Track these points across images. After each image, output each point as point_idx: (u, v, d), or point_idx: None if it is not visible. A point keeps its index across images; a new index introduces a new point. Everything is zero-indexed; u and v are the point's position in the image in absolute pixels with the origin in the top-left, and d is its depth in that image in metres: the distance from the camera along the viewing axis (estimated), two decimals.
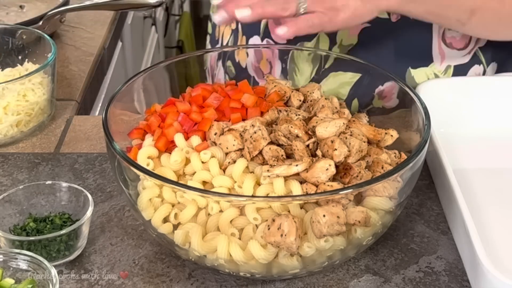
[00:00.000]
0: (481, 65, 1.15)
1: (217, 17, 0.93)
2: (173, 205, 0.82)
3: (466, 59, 1.14)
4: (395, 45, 0.97)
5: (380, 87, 1.04)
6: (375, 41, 1.00)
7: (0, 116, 1.07)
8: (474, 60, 1.15)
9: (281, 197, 0.79)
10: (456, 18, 1.00)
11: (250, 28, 1.16)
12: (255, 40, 1.16)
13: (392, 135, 0.89)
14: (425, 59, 1.12)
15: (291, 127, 0.85)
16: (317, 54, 1.06)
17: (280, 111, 0.91)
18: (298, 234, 0.76)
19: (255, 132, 0.84)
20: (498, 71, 1.18)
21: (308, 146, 0.85)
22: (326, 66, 1.07)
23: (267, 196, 0.80)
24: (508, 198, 0.96)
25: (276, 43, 1.13)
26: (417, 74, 1.08)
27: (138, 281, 0.85)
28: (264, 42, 1.15)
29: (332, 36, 1.06)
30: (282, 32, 0.91)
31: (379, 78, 0.97)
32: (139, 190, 0.83)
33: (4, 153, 1.08)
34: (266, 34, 1.14)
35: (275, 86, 0.95)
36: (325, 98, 0.94)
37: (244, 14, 0.90)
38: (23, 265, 0.79)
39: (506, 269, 0.79)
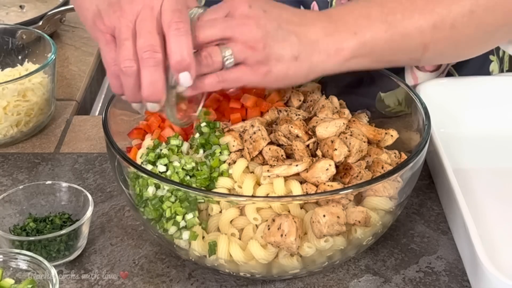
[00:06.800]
0: None
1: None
2: None
3: None
4: (367, 72, 0.94)
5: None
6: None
7: (0, 116, 1.07)
8: None
9: (281, 197, 0.79)
10: (409, 57, 0.93)
11: None
12: None
13: (392, 135, 0.89)
14: (398, 85, 1.10)
15: (291, 127, 0.85)
16: None
17: (280, 111, 0.91)
18: (298, 234, 0.76)
19: (254, 133, 0.84)
20: None
21: (308, 146, 0.84)
22: None
23: (267, 196, 0.80)
24: (508, 198, 0.96)
25: None
26: (387, 97, 1.04)
27: (138, 281, 0.85)
28: None
29: None
30: (207, 82, 0.80)
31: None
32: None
33: (4, 153, 1.08)
34: None
35: None
36: (325, 98, 0.93)
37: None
38: (23, 265, 0.79)
39: (506, 269, 0.79)
